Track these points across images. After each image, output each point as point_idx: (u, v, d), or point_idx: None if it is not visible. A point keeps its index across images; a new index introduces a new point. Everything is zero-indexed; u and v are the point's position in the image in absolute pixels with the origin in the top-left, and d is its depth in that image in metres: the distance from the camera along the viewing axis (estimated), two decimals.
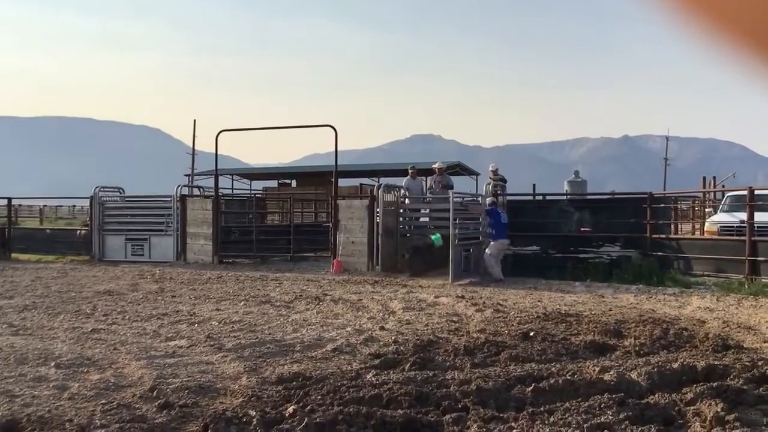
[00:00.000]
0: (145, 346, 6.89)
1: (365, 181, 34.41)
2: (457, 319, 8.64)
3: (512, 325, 8.00)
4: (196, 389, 5.09)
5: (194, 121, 57.33)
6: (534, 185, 21.54)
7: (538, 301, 10.34)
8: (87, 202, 20.14)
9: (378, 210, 15.73)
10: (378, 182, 23.95)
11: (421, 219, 17.52)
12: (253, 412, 4.37)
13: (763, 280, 11.34)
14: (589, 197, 20.22)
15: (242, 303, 10.17)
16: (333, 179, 17.14)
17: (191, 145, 56.42)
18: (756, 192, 12.93)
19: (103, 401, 4.79)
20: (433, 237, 13.81)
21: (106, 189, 19.76)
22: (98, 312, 9.23)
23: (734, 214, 16.56)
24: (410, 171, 17.34)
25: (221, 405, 4.73)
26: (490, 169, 17.38)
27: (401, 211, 16.60)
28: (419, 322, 8.42)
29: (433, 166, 17.93)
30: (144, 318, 8.72)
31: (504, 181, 16.86)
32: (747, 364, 5.67)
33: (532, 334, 7.17)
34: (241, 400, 4.82)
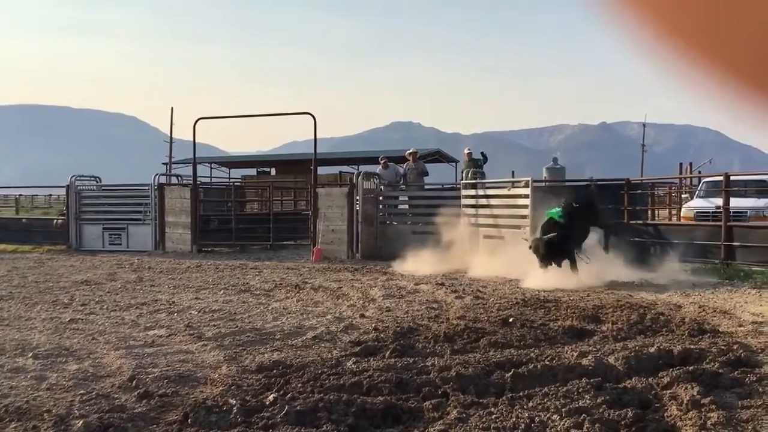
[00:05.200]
0: (124, 335, 6.85)
1: (345, 168, 34.37)
2: (437, 306, 8.68)
3: (492, 311, 8.04)
4: (175, 378, 5.07)
5: (171, 108, 56.82)
6: (513, 172, 21.65)
7: (517, 287, 10.40)
8: (63, 191, 19.92)
9: (357, 198, 15.73)
10: (357, 170, 23.94)
11: (400, 206, 17.55)
12: (233, 401, 4.37)
13: (738, 264, 11.48)
14: (567, 183, 20.33)
15: (222, 292, 10.14)
16: (312, 167, 17.09)
17: (168, 133, 55.96)
18: (731, 178, 13.07)
19: (82, 391, 4.76)
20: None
21: (82, 178, 19.56)
22: (76, 302, 9.16)
23: (710, 199, 16.76)
24: (382, 161, 17.32)
25: (201, 394, 4.72)
26: (465, 152, 17.38)
27: (381, 198, 16.62)
28: (399, 309, 8.45)
29: (406, 153, 17.89)
30: (122, 308, 8.67)
31: (480, 165, 16.76)
32: (722, 348, 5.75)
33: (511, 320, 7.22)
34: (221, 388, 4.81)
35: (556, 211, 10.84)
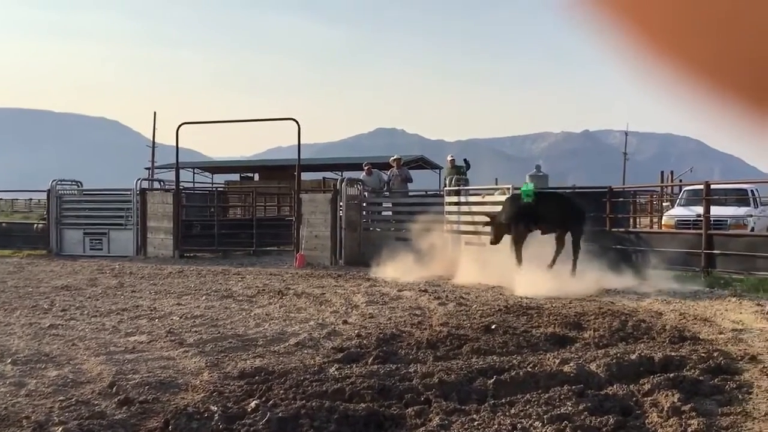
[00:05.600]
0: (105, 341, 6.79)
1: (328, 174, 34.35)
2: (420, 312, 8.68)
3: (474, 318, 8.06)
4: (156, 385, 5.04)
5: (154, 113, 56.57)
6: (496, 179, 21.72)
7: (500, 294, 10.43)
8: (44, 196, 19.75)
9: (341, 204, 15.72)
10: (341, 176, 23.92)
11: (384, 213, 17.56)
12: (214, 408, 4.34)
13: (718, 272, 11.59)
14: (550, 191, 20.43)
15: (204, 297, 10.08)
16: (296, 173, 17.07)
17: (151, 138, 55.66)
18: (712, 186, 13.20)
19: (61, 398, 4.71)
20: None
21: (63, 182, 19.40)
22: (56, 307, 9.07)
23: (691, 208, 16.92)
24: (365, 167, 17.34)
25: (182, 400, 4.69)
26: (448, 159, 17.43)
27: (364, 204, 16.63)
28: (382, 315, 8.44)
29: (390, 159, 17.93)
30: (103, 313, 8.59)
31: (463, 172, 16.80)
32: (703, 355, 5.80)
33: (493, 327, 7.24)
34: (202, 395, 4.79)
35: (526, 188, 11.25)
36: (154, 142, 54.47)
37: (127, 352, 6.31)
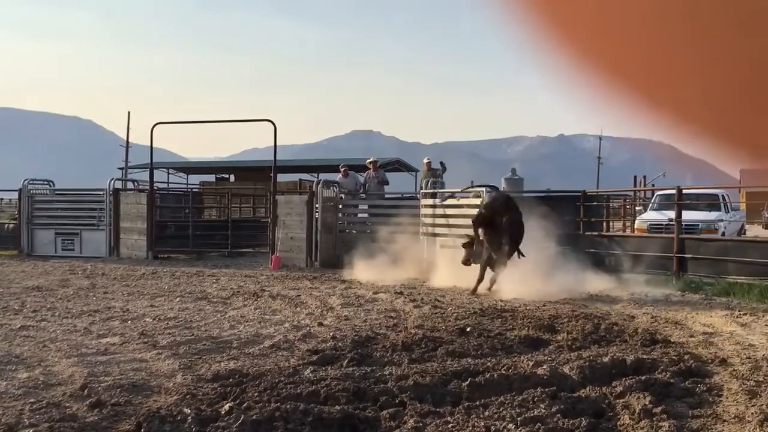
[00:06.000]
0: (76, 343, 6.71)
1: (304, 176, 34.27)
2: (395, 314, 8.69)
3: (449, 320, 8.09)
4: (128, 387, 4.99)
5: (128, 112, 56.06)
6: (472, 182, 21.74)
7: (476, 296, 10.47)
8: (15, 195, 19.46)
9: (317, 206, 15.70)
10: (317, 178, 23.88)
11: (360, 215, 17.56)
12: (188, 410, 4.31)
13: (689, 276, 11.74)
14: (525, 194, 20.57)
15: (178, 299, 10.00)
16: (272, 174, 17.01)
17: (125, 138, 55.12)
18: (684, 191, 13.37)
19: (32, 400, 4.65)
20: None
21: (35, 182, 19.14)
22: (27, 308, 8.94)
23: (663, 212, 17.12)
24: (342, 169, 17.35)
25: (155, 403, 4.65)
26: (424, 162, 17.49)
27: (340, 207, 16.63)
28: (357, 317, 8.44)
29: (367, 161, 17.95)
30: (75, 315, 8.49)
31: (438, 175, 16.86)
32: (674, 357, 5.88)
33: (468, 329, 7.27)
34: (175, 398, 4.75)
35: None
36: (128, 141, 53.96)
37: (99, 354, 6.24)
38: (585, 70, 0.88)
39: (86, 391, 4.86)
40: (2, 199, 49.13)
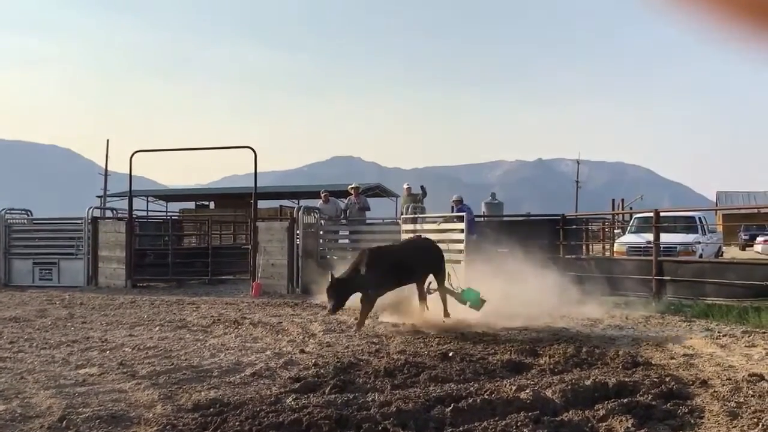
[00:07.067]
0: (54, 374, 6.61)
1: (285, 203, 34.21)
2: (378, 340, 8.66)
3: (432, 345, 8.08)
4: (108, 419, 4.92)
5: (107, 141, 55.74)
6: (452, 206, 21.80)
7: (458, 321, 10.44)
8: None
9: (298, 232, 15.67)
10: (298, 204, 23.85)
11: (340, 241, 17.53)
12: None
13: (668, 298, 11.83)
14: (505, 218, 20.69)
15: (157, 328, 9.91)
16: (252, 201, 16.97)
17: (104, 166, 54.80)
18: (662, 214, 13.52)
19: None
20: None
21: (13, 211, 18.96)
22: (3, 339, 8.82)
23: (641, 234, 17.29)
24: (323, 195, 17.37)
25: None
26: (404, 187, 17.54)
27: (321, 233, 16.60)
28: (340, 344, 8.40)
29: (349, 187, 17.99)
30: (53, 345, 8.37)
31: (419, 200, 16.90)
32: (655, 380, 5.90)
33: (450, 354, 7.26)
34: (155, 428, 4.69)
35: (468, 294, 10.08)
36: (106, 170, 53.63)
37: (77, 384, 6.16)
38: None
39: (65, 423, 4.78)
40: None
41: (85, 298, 14.30)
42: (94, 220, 17.61)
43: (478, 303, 9.80)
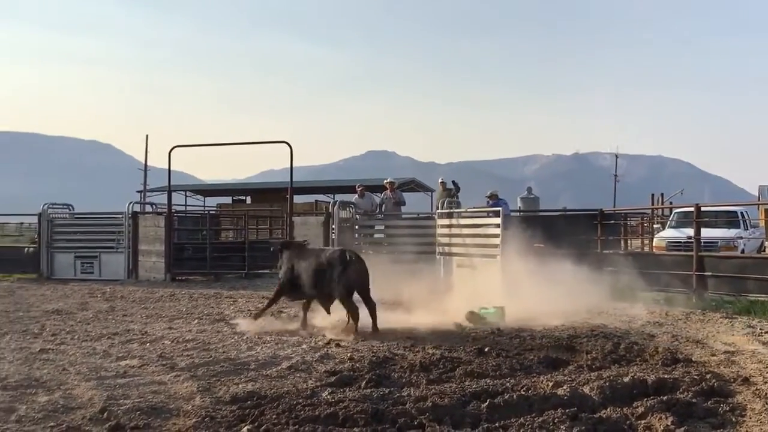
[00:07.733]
0: (95, 366, 6.74)
1: (321, 197, 34.37)
2: (413, 335, 8.64)
3: (467, 340, 8.05)
4: (147, 410, 5.00)
5: (146, 136, 56.63)
6: (488, 201, 21.69)
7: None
8: (35, 219, 19.66)
9: (333, 227, 15.72)
10: (333, 199, 23.94)
11: (376, 235, 17.55)
12: None
13: (709, 294, 11.62)
14: (541, 213, 20.52)
15: (195, 321, 10.03)
16: (288, 195, 17.07)
17: (143, 161, 55.66)
18: (702, 208, 13.27)
19: (52, 424, 4.68)
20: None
21: (55, 206, 19.35)
22: (46, 332, 9.01)
23: (682, 229, 17.00)
24: (358, 189, 17.37)
25: (174, 426, 4.66)
26: (439, 182, 17.46)
27: (357, 227, 16.63)
28: (375, 338, 8.41)
29: (384, 182, 17.96)
30: (94, 338, 8.53)
31: (454, 194, 16.81)
32: (696, 377, 5.81)
33: (486, 349, 7.23)
34: (194, 420, 4.75)
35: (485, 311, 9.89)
36: (146, 165, 54.51)
37: (118, 376, 6.27)
38: None
39: (105, 414, 4.87)
40: (22, 223, 49.61)
41: (126, 291, 14.54)
42: (134, 215, 17.90)
43: (499, 315, 9.81)
